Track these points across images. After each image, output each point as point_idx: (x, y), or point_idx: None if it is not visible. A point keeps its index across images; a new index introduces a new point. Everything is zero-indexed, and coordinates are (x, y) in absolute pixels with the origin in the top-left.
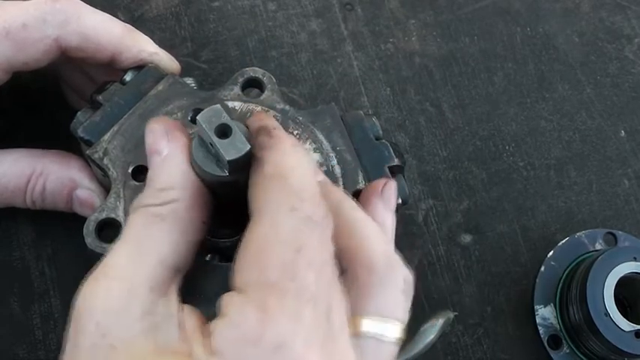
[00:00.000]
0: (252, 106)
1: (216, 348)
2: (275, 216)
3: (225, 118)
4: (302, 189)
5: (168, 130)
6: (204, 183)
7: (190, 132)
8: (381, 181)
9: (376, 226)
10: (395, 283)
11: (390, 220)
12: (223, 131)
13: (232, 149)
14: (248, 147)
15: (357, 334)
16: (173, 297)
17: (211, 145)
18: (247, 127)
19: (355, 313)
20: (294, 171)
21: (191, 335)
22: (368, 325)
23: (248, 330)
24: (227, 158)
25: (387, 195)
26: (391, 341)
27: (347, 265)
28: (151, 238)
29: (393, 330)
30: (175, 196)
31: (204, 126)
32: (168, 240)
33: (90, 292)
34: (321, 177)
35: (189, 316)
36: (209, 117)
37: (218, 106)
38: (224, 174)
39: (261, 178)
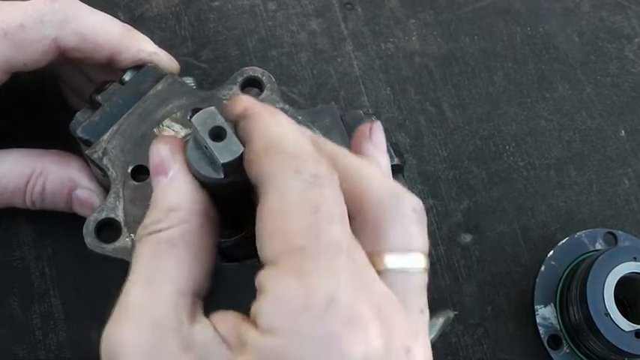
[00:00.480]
0: None
1: (268, 326)
2: (282, 184)
3: (220, 121)
4: (298, 150)
5: (174, 150)
6: (201, 185)
7: (188, 133)
8: (367, 125)
9: (373, 166)
10: (405, 214)
11: (384, 161)
12: (217, 134)
13: (226, 152)
14: (242, 149)
15: (382, 273)
16: (203, 319)
17: (206, 147)
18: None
19: (375, 252)
20: (283, 136)
21: (236, 332)
22: (391, 261)
23: (292, 299)
24: (221, 161)
25: (376, 136)
26: (418, 271)
27: (356, 210)
28: (163, 269)
29: (417, 261)
30: (184, 217)
31: (198, 128)
32: (182, 267)
33: (116, 338)
34: (308, 133)
35: (225, 322)
36: (203, 119)
37: (212, 108)
38: (220, 176)
39: (255, 155)
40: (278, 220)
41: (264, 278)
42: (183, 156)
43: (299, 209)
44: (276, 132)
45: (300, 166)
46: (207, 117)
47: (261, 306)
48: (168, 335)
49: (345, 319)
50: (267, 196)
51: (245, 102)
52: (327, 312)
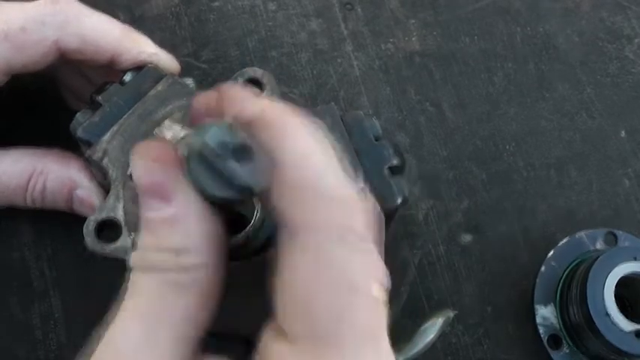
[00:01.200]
0: None
1: None
2: (319, 247)
3: (242, 138)
4: (346, 199)
5: (171, 172)
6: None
7: (187, 134)
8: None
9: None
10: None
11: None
12: (241, 153)
13: (258, 176)
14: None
15: None
16: None
17: (222, 168)
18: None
19: None
20: (326, 172)
21: None
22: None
23: None
24: (256, 188)
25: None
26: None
27: None
28: (169, 313)
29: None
30: (197, 261)
31: (215, 149)
32: (190, 313)
33: None
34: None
35: None
36: (218, 136)
37: (225, 123)
38: (235, 196)
39: (284, 188)
40: (305, 294)
41: (279, 354)
42: (181, 174)
43: (334, 286)
44: (314, 163)
45: (348, 224)
46: (221, 134)
47: None
48: None
49: None
50: (294, 253)
51: (263, 104)
52: None
